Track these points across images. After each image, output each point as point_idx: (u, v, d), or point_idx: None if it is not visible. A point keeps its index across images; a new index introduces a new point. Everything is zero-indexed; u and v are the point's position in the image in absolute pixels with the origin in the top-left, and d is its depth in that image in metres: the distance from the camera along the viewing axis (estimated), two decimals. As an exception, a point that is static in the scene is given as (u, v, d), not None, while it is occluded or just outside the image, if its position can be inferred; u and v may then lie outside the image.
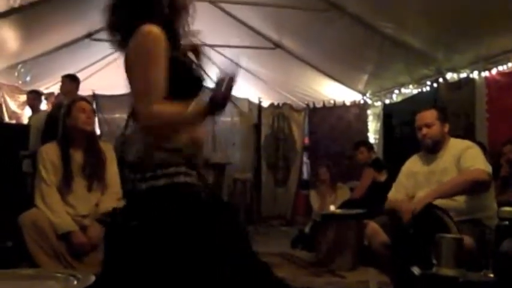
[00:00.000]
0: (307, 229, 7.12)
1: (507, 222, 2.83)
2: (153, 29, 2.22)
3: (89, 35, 8.71)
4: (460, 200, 3.85)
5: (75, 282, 2.47)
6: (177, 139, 2.33)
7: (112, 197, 4.32)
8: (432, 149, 4.15)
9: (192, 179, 2.37)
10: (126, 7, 2.36)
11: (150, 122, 2.24)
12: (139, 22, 2.24)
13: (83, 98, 4.86)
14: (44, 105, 9.32)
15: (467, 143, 4.15)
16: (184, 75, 2.36)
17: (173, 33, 2.38)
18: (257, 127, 11.31)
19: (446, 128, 4.13)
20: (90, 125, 4.47)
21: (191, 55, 2.61)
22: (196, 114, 2.24)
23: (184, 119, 2.25)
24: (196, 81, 2.45)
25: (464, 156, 3.92)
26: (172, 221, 2.33)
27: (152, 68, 2.20)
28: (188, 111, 2.21)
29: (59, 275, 2.65)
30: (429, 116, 4.15)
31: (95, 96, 10.82)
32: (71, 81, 7.21)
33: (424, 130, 4.13)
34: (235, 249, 2.37)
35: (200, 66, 2.57)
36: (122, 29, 2.37)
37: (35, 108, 8.17)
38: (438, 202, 3.70)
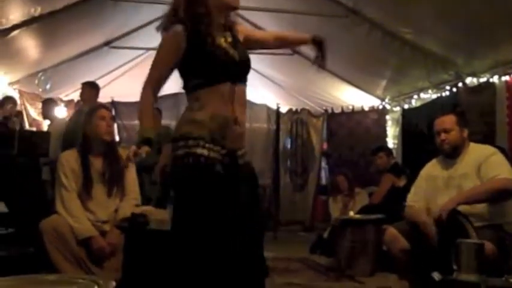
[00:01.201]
0: (325, 234, 7.10)
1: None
2: (172, 31, 2.77)
3: (107, 43, 8.79)
4: (481, 205, 3.81)
5: (96, 288, 2.48)
6: (201, 114, 2.74)
7: (131, 203, 4.35)
8: (451, 155, 4.13)
9: (210, 152, 2.70)
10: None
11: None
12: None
13: (103, 106, 4.90)
14: (64, 112, 9.40)
15: (489, 148, 4.11)
16: (211, 62, 2.75)
17: (206, 27, 2.79)
18: (276, 133, 11.31)
19: (465, 133, 4.10)
20: (110, 133, 4.51)
21: (225, 42, 2.88)
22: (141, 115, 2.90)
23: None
24: (223, 67, 2.78)
25: (488, 164, 3.88)
26: (181, 189, 2.77)
27: (153, 64, 2.86)
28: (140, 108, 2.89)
29: (80, 280, 2.66)
30: (448, 121, 4.13)
31: (113, 103, 10.89)
32: (90, 88, 7.25)
33: (443, 135, 4.11)
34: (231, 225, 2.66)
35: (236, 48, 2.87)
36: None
37: (47, 116, 8.21)
38: (460, 208, 3.68)
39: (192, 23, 2.77)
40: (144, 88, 2.85)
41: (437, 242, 3.63)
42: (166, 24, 2.84)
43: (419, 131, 9.10)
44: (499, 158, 3.95)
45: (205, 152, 2.69)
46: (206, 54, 2.76)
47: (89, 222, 4.17)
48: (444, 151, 4.16)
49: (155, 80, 2.88)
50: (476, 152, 4.04)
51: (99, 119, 4.40)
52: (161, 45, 2.85)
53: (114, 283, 2.49)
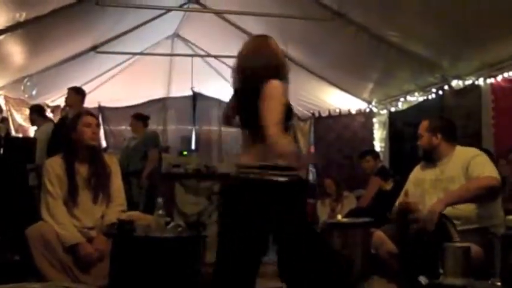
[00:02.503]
0: (314, 238, 7.10)
1: (514, 231, 2.83)
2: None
3: (93, 48, 8.76)
4: (467, 208, 3.83)
5: (82, 296, 2.47)
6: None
7: (117, 209, 4.34)
8: (425, 158, 4.28)
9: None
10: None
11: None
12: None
13: (89, 112, 4.85)
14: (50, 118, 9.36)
15: (474, 151, 4.15)
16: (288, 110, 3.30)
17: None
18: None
19: (437, 139, 4.16)
20: (95, 140, 4.49)
21: None
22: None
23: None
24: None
25: (473, 164, 3.91)
26: None
27: (274, 107, 3.19)
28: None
29: (66, 287, 2.65)
30: (420, 127, 4.29)
31: (100, 109, 10.88)
32: (76, 93, 7.22)
33: (418, 140, 4.30)
34: None
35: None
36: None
37: (35, 123, 8.17)
38: (446, 211, 3.69)
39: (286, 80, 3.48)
40: (278, 131, 3.10)
41: (420, 244, 3.63)
42: (272, 73, 3.39)
43: (405, 134, 9.15)
44: (483, 158, 3.99)
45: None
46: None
47: (75, 229, 4.15)
48: (420, 155, 4.35)
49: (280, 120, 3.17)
50: (462, 154, 4.08)
51: (84, 125, 4.38)
52: (276, 90, 3.27)
53: (99, 291, 2.48)
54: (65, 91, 7.45)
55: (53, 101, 10.20)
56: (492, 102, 6.97)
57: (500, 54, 6.66)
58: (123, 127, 10.29)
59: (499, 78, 6.84)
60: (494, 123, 6.93)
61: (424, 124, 4.26)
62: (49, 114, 9.60)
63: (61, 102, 9.66)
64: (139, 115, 9.07)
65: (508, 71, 6.70)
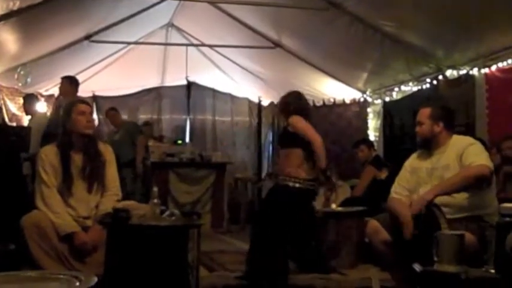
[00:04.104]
0: (308, 227, 7.12)
1: (508, 219, 2.84)
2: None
3: (87, 37, 8.72)
4: (461, 196, 3.85)
5: (78, 284, 2.47)
6: None
7: (112, 199, 4.34)
8: (422, 146, 4.24)
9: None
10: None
11: None
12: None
13: (82, 100, 4.83)
14: (44, 107, 9.34)
15: (469, 139, 4.16)
16: None
17: None
18: (257, 126, 11.32)
19: (439, 127, 4.14)
20: (90, 128, 4.46)
21: None
22: None
23: None
24: None
25: (467, 153, 3.93)
26: None
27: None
28: None
29: (61, 276, 2.65)
30: (422, 114, 4.23)
31: (94, 98, 10.86)
32: (69, 82, 7.20)
33: (417, 127, 4.23)
34: None
35: None
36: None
37: (29, 112, 8.15)
38: (440, 199, 3.71)
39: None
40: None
41: (414, 235, 3.65)
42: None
43: (399, 123, 9.17)
44: (477, 147, 4.00)
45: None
46: None
47: (70, 218, 4.16)
48: (417, 142, 4.28)
49: None
50: (458, 143, 4.09)
51: (78, 114, 4.36)
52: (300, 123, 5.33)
53: (96, 278, 2.48)
54: (59, 80, 7.42)
55: (46, 90, 10.17)
56: (486, 92, 7.00)
57: (494, 44, 6.68)
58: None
59: (493, 68, 6.86)
60: (488, 113, 6.96)
61: (426, 111, 4.20)
62: (43, 103, 9.58)
63: (55, 91, 9.65)
64: (114, 108, 9.12)
65: (502, 61, 6.73)
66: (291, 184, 5.24)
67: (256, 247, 5.23)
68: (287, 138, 5.50)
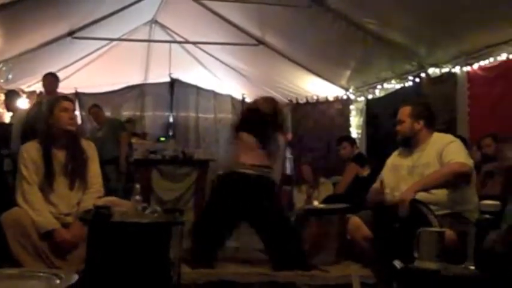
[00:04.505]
0: (290, 224, 7.13)
1: (488, 216, 2.86)
2: None
3: (70, 34, 8.67)
4: (442, 193, 3.88)
5: (58, 282, 2.46)
6: None
7: (93, 196, 4.32)
8: (403, 144, 4.29)
9: None
10: None
11: None
12: None
13: (66, 97, 4.81)
14: (25, 103, 9.27)
15: (449, 137, 4.19)
16: None
17: None
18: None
19: (419, 125, 4.18)
20: (73, 125, 4.44)
21: None
22: None
23: None
24: None
25: (447, 150, 3.96)
26: None
27: None
28: None
29: (41, 274, 2.64)
30: (402, 112, 4.28)
31: (77, 94, 10.79)
32: (51, 79, 7.18)
33: (397, 126, 4.28)
34: None
35: None
36: None
37: (10, 108, 8.09)
38: (420, 196, 3.73)
39: None
40: None
41: (395, 229, 3.67)
42: None
43: (382, 121, 9.20)
44: (457, 145, 4.04)
45: None
46: None
47: (50, 215, 4.13)
48: (398, 141, 4.32)
49: None
50: (438, 141, 4.12)
51: (61, 110, 4.34)
52: None
53: (76, 276, 2.47)
54: (41, 77, 7.39)
55: (28, 87, 10.09)
56: (468, 90, 7.06)
57: (476, 42, 6.72)
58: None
59: (475, 66, 6.91)
60: (470, 111, 7.01)
61: (406, 110, 4.25)
62: (24, 99, 9.51)
63: (37, 87, 9.59)
64: (97, 105, 9.10)
65: (484, 60, 6.78)
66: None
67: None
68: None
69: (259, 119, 5.70)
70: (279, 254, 5.53)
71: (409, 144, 4.21)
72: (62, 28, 8.50)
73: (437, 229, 3.19)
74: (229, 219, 5.65)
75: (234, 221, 5.75)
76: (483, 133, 6.38)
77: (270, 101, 5.99)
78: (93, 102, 9.62)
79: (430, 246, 2.84)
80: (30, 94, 10.04)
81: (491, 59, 6.68)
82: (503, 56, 6.48)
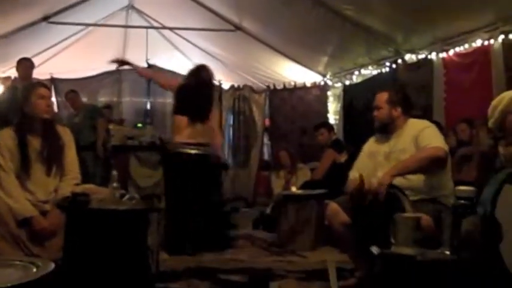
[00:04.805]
0: (268, 210, 7.17)
1: (464, 201, 2.89)
2: None
3: (45, 18, 8.56)
4: (417, 179, 3.91)
5: (35, 270, 2.45)
6: None
7: (71, 182, 4.30)
8: (380, 130, 4.29)
9: None
10: None
11: None
12: None
13: (42, 84, 4.76)
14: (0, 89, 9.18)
15: (424, 123, 4.22)
16: None
17: None
18: (218, 109, 11.29)
19: (397, 112, 4.20)
20: (50, 113, 4.41)
21: None
22: None
23: None
24: None
25: (422, 136, 3.99)
26: None
27: None
28: None
29: (17, 262, 2.63)
30: (379, 98, 4.27)
31: (53, 80, 10.68)
32: (26, 64, 7.11)
33: (375, 112, 4.28)
34: None
35: None
36: None
37: None
38: (396, 181, 3.76)
39: None
40: None
41: (372, 215, 3.70)
42: None
43: (359, 107, 9.24)
44: (432, 130, 4.07)
45: None
46: None
47: (28, 202, 4.10)
48: (375, 127, 4.32)
49: None
50: (414, 126, 4.14)
51: (38, 97, 4.30)
52: None
53: (53, 264, 2.47)
54: (15, 62, 7.31)
55: (3, 72, 9.97)
56: (444, 76, 7.11)
57: (452, 29, 6.76)
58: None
59: (451, 52, 6.96)
60: (446, 97, 7.07)
61: (383, 96, 4.25)
62: (-1, 85, 9.42)
63: (11, 73, 9.47)
64: (74, 90, 9.03)
65: (459, 46, 6.83)
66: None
67: None
68: None
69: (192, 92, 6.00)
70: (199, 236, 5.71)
71: (386, 130, 4.23)
72: (37, 13, 8.39)
73: (413, 214, 3.22)
74: (182, 200, 5.70)
75: (187, 203, 5.78)
76: (459, 119, 6.45)
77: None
78: (69, 88, 9.54)
79: (406, 232, 2.87)
80: (5, 80, 9.91)
81: (467, 45, 6.73)
82: (478, 43, 6.53)
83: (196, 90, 5.96)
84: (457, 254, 2.78)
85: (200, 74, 6.09)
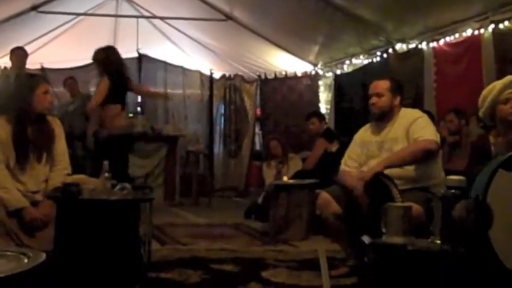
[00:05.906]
0: (260, 200, 7.18)
1: (454, 191, 2.90)
2: None
3: (34, 8, 8.51)
4: (409, 168, 3.92)
5: (26, 261, 2.45)
6: None
7: (61, 173, 4.28)
8: (379, 118, 4.24)
9: None
10: None
11: None
12: None
13: (44, 78, 4.75)
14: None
15: (416, 112, 4.23)
16: None
17: None
18: (209, 99, 11.28)
19: (397, 101, 4.19)
20: (50, 108, 4.44)
21: None
22: None
23: None
24: None
25: (414, 126, 3.99)
26: None
27: None
28: None
29: (8, 253, 2.62)
30: (381, 86, 4.21)
31: (43, 70, 10.62)
32: (20, 53, 7.10)
33: (374, 99, 4.20)
34: None
35: None
36: None
37: None
38: (386, 171, 3.77)
39: None
40: None
41: (367, 206, 3.71)
42: None
43: (350, 96, 9.26)
44: (424, 120, 4.07)
45: None
46: None
47: (19, 193, 4.08)
48: (372, 114, 4.28)
49: None
50: (406, 116, 4.15)
51: (43, 92, 4.28)
52: None
53: (44, 255, 2.46)
54: (5, 52, 7.28)
55: (-7, 62, 9.92)
56: (434, 65, 7.14)
57: (442, 18, 6.79)
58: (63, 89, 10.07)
59: (441, 42, 6.98)
60: (436, 86, 7.09)
61: (385, 84, 4.20)
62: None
63: (1, 62, 9.43)
64: (73, 77, 9.00)
65: (449, 35, 6.85)
66: None
67: None
68: None
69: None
70: None
71: (383, 119, 4.21)
72: (26, 2, 8.34)
73: (403, 204, 3.23)
74: None
75: None
76: (449, 108, 6.47)
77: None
78: (59, 78, 9.49)
79: (397, 221, 2.88)
80: (-5, 69, 9.87)
81: (457, 35, 6.75)
82: (468, 32, 6.55)
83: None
84: (447, 242, 2.79)
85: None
